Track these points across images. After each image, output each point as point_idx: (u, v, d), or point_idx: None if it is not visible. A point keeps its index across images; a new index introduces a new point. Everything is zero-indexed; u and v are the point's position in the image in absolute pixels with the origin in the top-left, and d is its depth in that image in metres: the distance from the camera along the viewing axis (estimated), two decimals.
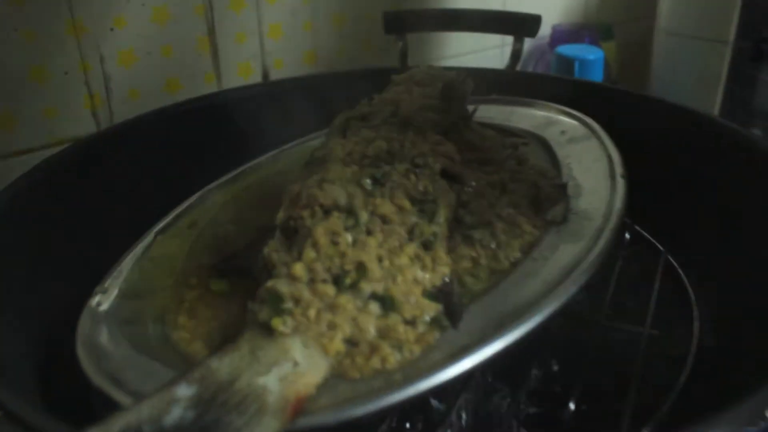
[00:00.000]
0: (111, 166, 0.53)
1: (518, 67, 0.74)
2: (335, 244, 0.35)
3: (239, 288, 0.39)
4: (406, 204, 0.38)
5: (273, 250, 0.36)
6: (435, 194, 0.40)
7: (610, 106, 0.62)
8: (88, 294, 0.39)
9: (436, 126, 0.48)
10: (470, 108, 0.54)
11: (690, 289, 0.48)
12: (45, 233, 0.46)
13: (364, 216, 0.36)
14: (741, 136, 0.51)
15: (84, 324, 0.36)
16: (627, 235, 0.54)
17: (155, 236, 0.45)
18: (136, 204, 0.50)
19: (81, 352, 0.34)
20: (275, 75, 0.78)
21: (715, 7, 0.87)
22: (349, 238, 0.35)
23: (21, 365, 0.37)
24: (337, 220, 0.35)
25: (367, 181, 0.38)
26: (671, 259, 0.51)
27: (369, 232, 0.36)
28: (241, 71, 0.75)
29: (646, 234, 0.55)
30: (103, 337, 0.35)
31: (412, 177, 0.40)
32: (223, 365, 0.30)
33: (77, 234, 0.48)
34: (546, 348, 0.43)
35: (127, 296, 0.39)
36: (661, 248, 0.53)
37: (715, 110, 0.90)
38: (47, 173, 0.49)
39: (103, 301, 0.38)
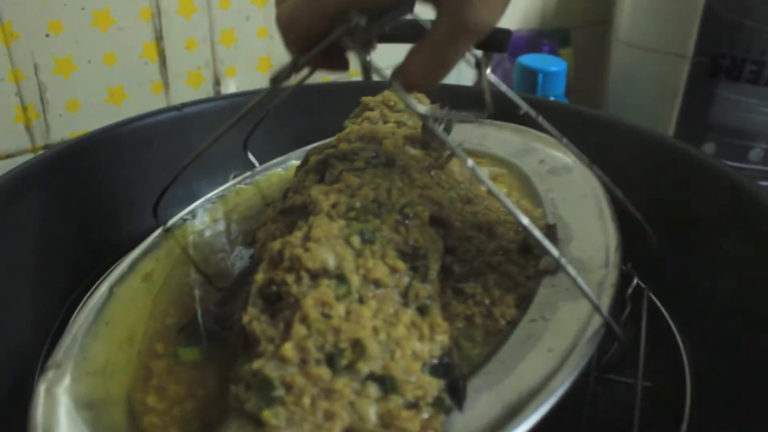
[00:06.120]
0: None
1: None
2: (327, 317, 0.31)
3: (214, 355, 0.35)
4: (399, 264, 0.34)
5: (254, 318, 0.32)
6: (425, 247, 0.37)
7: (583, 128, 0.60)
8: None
9: (418, 163, 0.45)
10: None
11: (676, 333, 0.47)
12: None
13: (355, 281, 0.32)
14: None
15: (36, 410, 0.30)
16: None
17: (110, 290, 0.40)
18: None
19: None
20: (227, 84, 0.72)
21: (675, 20, 0.86)
22: (341, 309, 0.31)
23: None
24: (327, 289, 0.31)
25: (356, 239, 0.34)
26: (654, 298, 0.50)
27: (362, 300, 0.32)
28: (191, 80, 0.70)
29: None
30: (61, 427, 0.30)
31: (402, 229, 0.36)
32: None
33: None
34: None
35: (86, 371, 0.33)
36: (643, 285, 0.51)
37: (672, 124, 0.90)
38: None
39: (57, 378, 0.32)
